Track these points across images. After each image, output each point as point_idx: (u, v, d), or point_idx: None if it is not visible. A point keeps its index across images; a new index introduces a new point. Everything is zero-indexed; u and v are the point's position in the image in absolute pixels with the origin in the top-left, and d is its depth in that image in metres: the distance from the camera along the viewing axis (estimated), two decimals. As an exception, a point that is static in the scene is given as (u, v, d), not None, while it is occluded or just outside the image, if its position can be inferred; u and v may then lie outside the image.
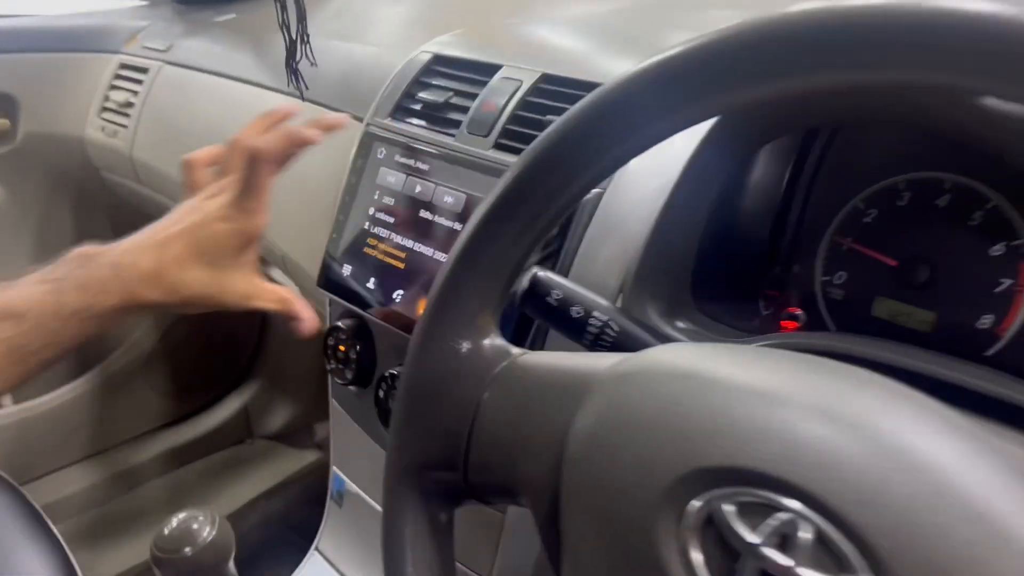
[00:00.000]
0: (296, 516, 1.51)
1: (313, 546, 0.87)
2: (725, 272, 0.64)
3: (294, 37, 0.83)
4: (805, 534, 0.31)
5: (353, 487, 0.85)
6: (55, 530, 0.87)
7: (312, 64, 0.89)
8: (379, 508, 0.82)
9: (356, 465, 0.85)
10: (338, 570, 0.85)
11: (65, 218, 1.35)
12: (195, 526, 0.65)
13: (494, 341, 0.45)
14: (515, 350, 0.45)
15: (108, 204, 1.36)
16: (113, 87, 1.25)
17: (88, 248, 0.57)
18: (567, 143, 0.41)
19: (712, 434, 0.34)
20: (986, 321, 0.55)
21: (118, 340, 1.48)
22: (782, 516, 0.31)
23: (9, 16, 1.28)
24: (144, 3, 1.48)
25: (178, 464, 1.55)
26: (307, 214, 0.93)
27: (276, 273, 1.06)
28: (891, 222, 0.59)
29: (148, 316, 1.49)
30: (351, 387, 0.81)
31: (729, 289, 0.64)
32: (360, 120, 0.87)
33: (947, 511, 0.28)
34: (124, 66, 1.25)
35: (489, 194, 0.43)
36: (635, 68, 0.39)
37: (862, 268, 0.60)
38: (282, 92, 1.01)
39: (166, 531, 0.65)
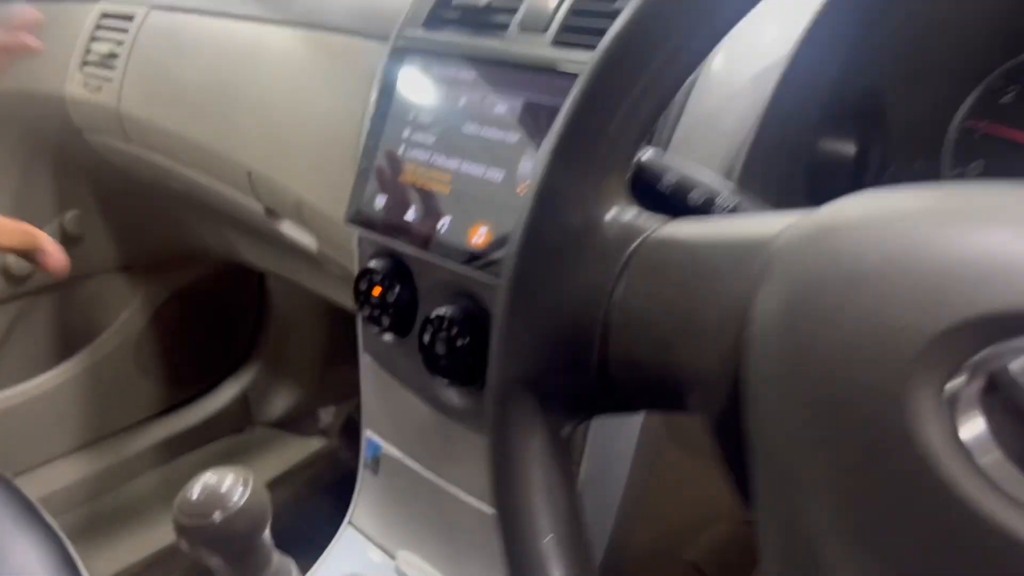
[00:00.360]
0: (304, 507, 1.41)
1: (346, 520, 0.78)
2: (839, 168, 0.55)
3: None
4: None
5: (392, 450, 0.75)
6: (53, 522, 0.78)
7: None
8: (424, 472, 0.73)
9: (394, 425, 0.75)
10: (377, 544, 0.75)
11: (45, 185, 1.24)
12: (224, 489, 0.55)
13: (626, 209, 0.36)
14: (651, 220, 0.36)
15: (91, 168, 1.25)
16: (95, 38, 1.14)
17: None
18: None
19: (973, 276, 0.25)
20: None
21: (105, 321, 1.37)
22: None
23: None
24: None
25: (174, 454, 1.44)
26: (323, 152, 0.83)
27: (286, 226, 0.96)
28: (1038, 98, 0.51)
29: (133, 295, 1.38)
30: (387, 335, 0.71)
31: (846, 187, 0.55)
32: (385, 41, 0.77)
33: None
34: (106, 15, 1.15)
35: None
36: None
37: (1004, 154, 0.52)
38: (288, 23, 0.91)
39: (191, 495, 0.55)
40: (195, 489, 0.55)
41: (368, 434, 0.78)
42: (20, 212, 1.21)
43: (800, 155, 0.53)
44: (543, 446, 0.35)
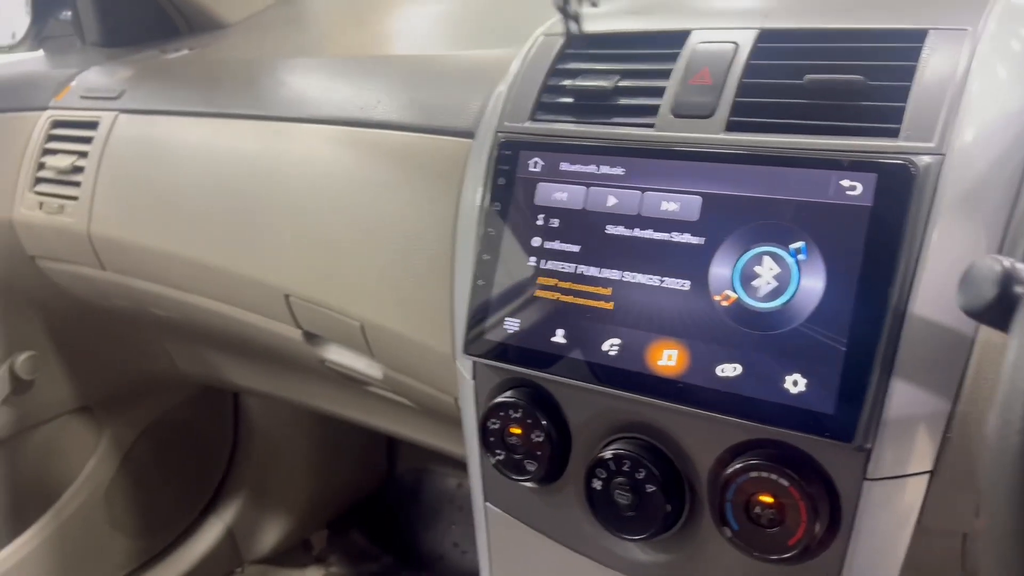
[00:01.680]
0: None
1: None
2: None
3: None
4: None
5: (541, 619, 0.63)
6: None
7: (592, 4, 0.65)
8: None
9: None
10: None
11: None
12: None
13: None
14: None
15: (45, 301, 1.07)
16: (48, 151, 0.98)
17: None
18: None
19: None
20: None
21: (68, 473, 1.17)
22: None
23: None
24: (36, 53, 1.22)
25: (160, 615, 1.24)
26: (394, 266, 0.71)
27: (333, 351, 0.83)
28: None
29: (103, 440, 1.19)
30: (528, 484, 0.59)
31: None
32: (467, 136, 0.67)
33: None
34: (60, 123, 0.99)
35: None
36: None
37: None
38: (314, 121, 0.79)
39: None
40: None
41: (500, 599, 0.65)
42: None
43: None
44: None
